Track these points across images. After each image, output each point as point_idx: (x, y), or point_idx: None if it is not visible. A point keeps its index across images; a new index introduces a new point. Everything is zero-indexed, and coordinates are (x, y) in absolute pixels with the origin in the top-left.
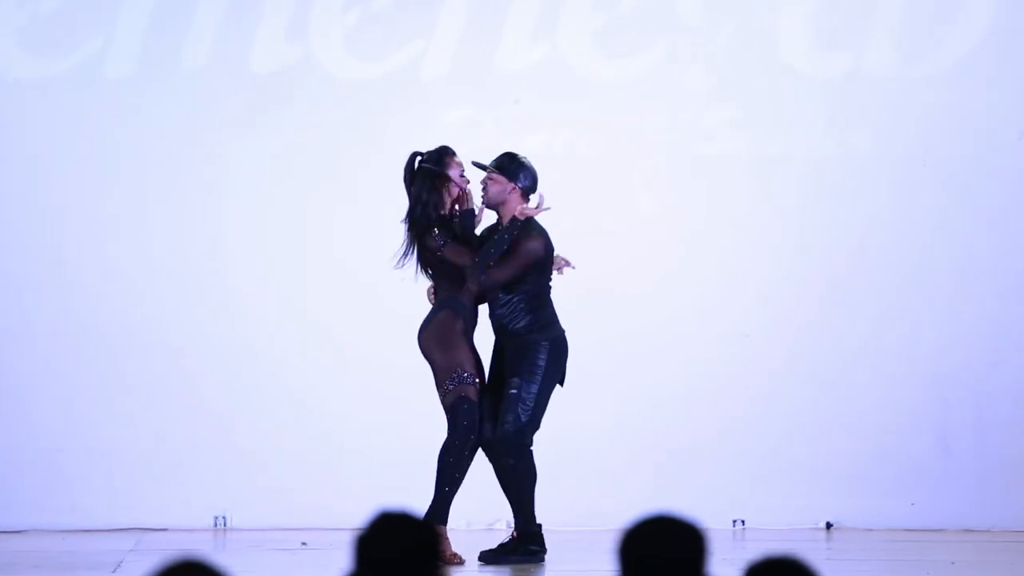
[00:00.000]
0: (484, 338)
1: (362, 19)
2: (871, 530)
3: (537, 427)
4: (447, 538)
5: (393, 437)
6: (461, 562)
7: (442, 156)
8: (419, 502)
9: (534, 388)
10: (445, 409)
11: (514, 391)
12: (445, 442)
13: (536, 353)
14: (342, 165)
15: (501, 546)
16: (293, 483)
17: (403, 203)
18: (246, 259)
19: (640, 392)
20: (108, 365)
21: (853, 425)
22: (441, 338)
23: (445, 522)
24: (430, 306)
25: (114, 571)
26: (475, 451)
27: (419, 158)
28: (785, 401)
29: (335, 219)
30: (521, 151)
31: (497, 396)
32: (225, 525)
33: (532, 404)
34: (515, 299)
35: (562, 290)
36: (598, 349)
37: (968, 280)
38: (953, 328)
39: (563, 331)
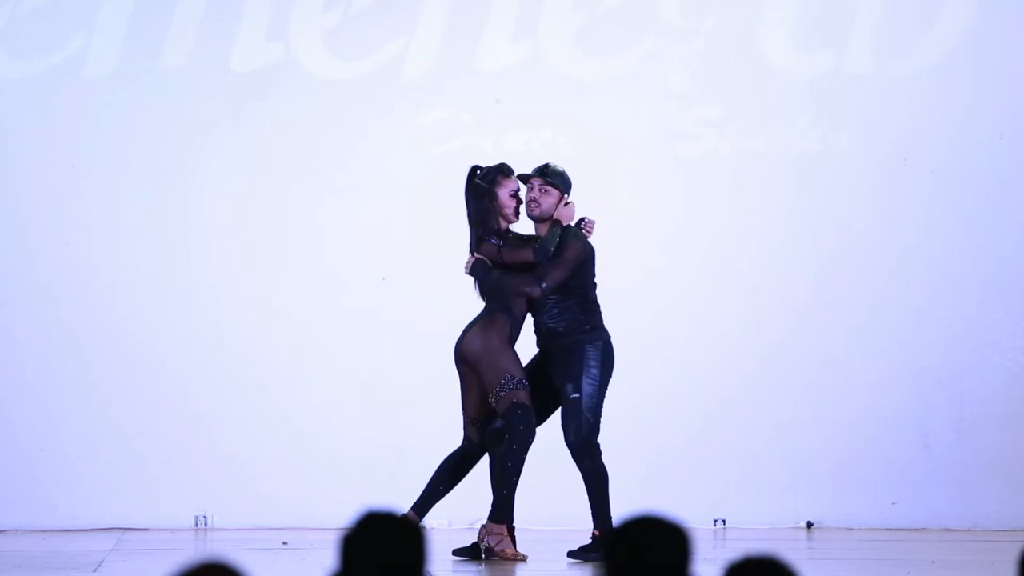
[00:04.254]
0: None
1: (343, 18)
2: (852, 529)
3: (599, 426)
4: (512, 537)
5: (375, 438)
6: (524, 558)
7: (495, 175)
8: (402, 502)
9: (591, 389)
10: (499, 414)
11: (575, 395)
12: (504, 448)
13: (586, 354)
14: (322, 163)
15: (584, 547)
16: (274, 483)
17: (380, 201)
18: (227, 258)
19: (622, 392)
20: (88, 365)
21: (834, 425)
22: (488, 344)
23: (511, 521)
24: (447, 313)
25: (95, 571)
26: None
27: (477, 173)
28: (766, 401)
29: (315, 218)
30: (503, 150)
31: (545, 400)
32: (206, 525)
33: (594, 405)
34: (564, 303)
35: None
36: None
37: (948, 280)
38: (933, 327)
39: (609, 335)
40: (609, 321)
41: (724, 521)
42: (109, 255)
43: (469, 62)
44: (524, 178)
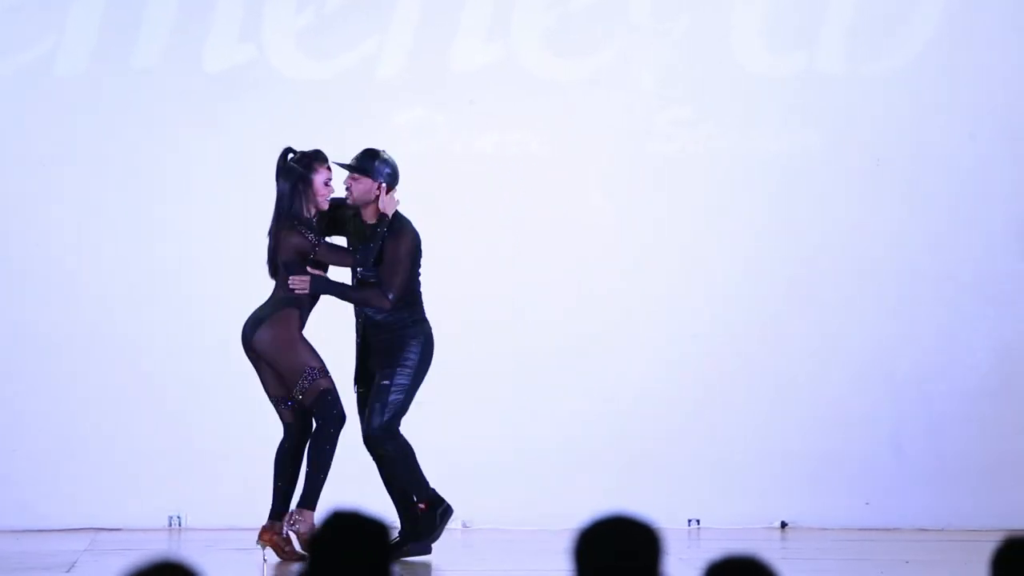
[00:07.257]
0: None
1: (315, 18)
2: (826, 529)
3: (402, 416)
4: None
5: (347, 436)
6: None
7: (311, 160)
8: (373, 501)
9: (404, 380)
10: (306, 407)
11: (385, 382)
12: (318, 432)
13: (407, 347)
14: None
15: (418, 527)
16: (247, 483)
17: None
18: (200, 258)
19: (595, 392)
20: (60, 365)
21: (808, 425)
22: (283, 340)
23: (315, 508)
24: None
25: (68, 571)
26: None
27: (290, 155)
28: (740, 401)
29: None
30: (477, 150)
31: (367, 391)
32: (180, 525)
33: (402, 395)
34: None
35: (518, 291)
36: (553, 350)
37: (920, 281)
38: (905, 328)
39: (431, 327)
40: (583, 322)
41: (698, 521)
42: (80, 254)
43: (442, 63)
44: (343, 166)
